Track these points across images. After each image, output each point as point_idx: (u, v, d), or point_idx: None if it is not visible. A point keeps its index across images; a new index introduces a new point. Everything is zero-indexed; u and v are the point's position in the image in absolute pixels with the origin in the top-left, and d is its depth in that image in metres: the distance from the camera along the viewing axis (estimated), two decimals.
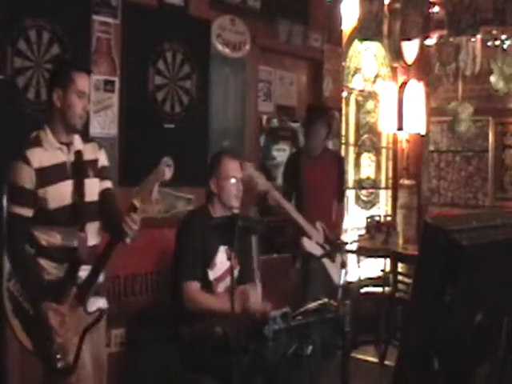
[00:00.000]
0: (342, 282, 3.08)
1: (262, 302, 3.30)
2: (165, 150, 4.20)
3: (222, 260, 3.32)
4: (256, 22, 4.85)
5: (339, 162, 4.85)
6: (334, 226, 4.57)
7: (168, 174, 2.52)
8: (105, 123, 3.88)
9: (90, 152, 2.84)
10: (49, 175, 2.67)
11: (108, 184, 2.91)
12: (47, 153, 2.69)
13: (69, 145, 2.76)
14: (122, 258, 3.72)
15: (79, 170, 2.75)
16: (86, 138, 2.96)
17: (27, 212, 2.66)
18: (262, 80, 5.11)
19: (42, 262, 2.70)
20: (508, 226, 1.75)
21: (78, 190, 2.73)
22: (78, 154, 2.77)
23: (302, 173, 4.55)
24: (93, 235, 2.79)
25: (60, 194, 2.69)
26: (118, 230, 2.65)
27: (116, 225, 2.67)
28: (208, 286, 3.27)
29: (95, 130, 3.82)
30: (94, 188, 2.81)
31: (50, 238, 2.70)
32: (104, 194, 2.87)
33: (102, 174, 2.88)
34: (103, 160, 2.91)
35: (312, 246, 4.28)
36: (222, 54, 4.62)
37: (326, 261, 4.29)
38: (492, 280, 1.72)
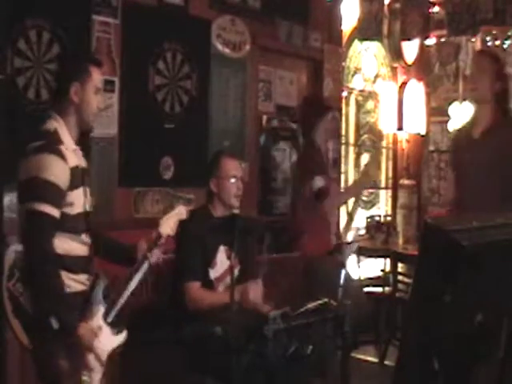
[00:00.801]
0: (342, 282, 3.07)
1: (262, 300, 3.29)
2: (165, 150, 4.25)
3: (222, 259, 3.33)
4: (256, 22, 4.85)
5: None
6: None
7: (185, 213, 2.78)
8: (105, 123, 3.88)
9: (82, 158, 2.64)
10: (75, 177, 2.46)
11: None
12: (68, 152, 2.47)
13: (76, 145, 2.57)
14: None
15: (86, 176, 2.60)
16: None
17: (57, 214, 2.37)
18: (262, 80, 5.11)
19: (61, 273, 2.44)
20: (508, 225, 1.75)
21: (86, 198, 2.57)
22: (81, 159, 2.59)
23: None
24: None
25: (80, 199, 2.51)
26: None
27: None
28: (209, 285, 3.28)
29: (95, 129, 3.81)
30: (89, 198, 2.62)
31: (69, 245, 2.48)
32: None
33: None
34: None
35: None
36: (222, 53, 4.62)
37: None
38: (492, 280, 1.71)
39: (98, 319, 2.50)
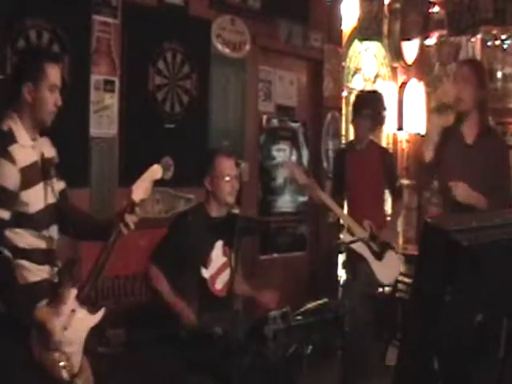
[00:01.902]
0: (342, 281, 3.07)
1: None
2: (165, 150, 4.25)
3: (217, 255, 3.34)
4: (256, 22, 4.85)
5: (385, 156, 4.67)
6: (383, 224, 4.46)
7: (164, 173, 2.60)
8: (105, 123, 3.88)
9: (47, 148, 2.65)
10: (29, 176, 2.49)
11: (63, 184, 2.75)
12: (24, 150, 2.49)
13: (35, 141, 2.57)
14: (122, 258, 3.72)
15: (46, 170, 2.60)
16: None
17: (4, 214, 2.43)
18: (262, 80, 5.11)
19: (25, 263, 2.53)
20: (508, 225, 1.75)
21: (47, 192, 2.59)
22: (42, 152, 2.61)
23: (347, 168, 4.48)
24: (55, 237, 2.68)
25: (38, 196, 2.55)
26: (77, 230, 2.68)
27: (74, 224, 2.69)
28: (202, 283, 3.28)
29: (95, 129, 3.82)
30: (54, 188, 2.65)
31: (30, 240, 2.53)
32: (62, 195, 2.71)
33: (58, 172, 2.70)
34: (56, 156, 2.72)
35: (351, 239, 4.25)
36: (222, 53, 4.62)
37: (370, 259, 4.28)
38: (492, 280, 1.71)
39: (71, 303, 2.52)
